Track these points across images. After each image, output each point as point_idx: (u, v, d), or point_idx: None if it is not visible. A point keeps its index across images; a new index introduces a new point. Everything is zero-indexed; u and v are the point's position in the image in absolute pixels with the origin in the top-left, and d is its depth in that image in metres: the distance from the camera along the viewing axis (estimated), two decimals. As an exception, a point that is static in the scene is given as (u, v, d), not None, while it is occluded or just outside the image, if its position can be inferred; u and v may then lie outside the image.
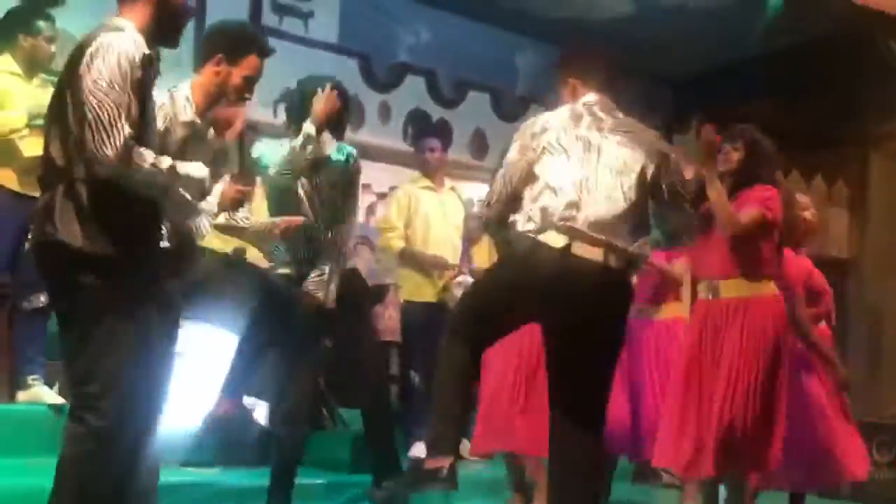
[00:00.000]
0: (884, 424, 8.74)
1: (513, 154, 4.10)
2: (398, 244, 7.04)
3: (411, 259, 7.05)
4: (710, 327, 4.94)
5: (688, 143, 10.36)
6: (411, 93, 8.92)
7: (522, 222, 3.97)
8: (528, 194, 4.00)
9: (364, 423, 5.57)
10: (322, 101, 5.05)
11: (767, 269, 4.99)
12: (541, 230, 3.88)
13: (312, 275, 5.09)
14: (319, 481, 5.89)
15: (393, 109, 8.76)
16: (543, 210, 3.90)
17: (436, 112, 9.03)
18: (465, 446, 7.12)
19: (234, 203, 4.30)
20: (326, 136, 4.94)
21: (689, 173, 4.88)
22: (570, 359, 3.99)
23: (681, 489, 6.59)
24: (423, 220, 7.03)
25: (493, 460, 6.65)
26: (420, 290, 6.98)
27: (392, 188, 8.53)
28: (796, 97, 9.30)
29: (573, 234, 3.86)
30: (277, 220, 4.93)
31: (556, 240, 3.85)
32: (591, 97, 4.18)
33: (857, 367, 11.17)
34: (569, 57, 4.43)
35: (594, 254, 3.87)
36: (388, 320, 7.52)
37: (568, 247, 3.84)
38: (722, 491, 5.27)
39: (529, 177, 4.01)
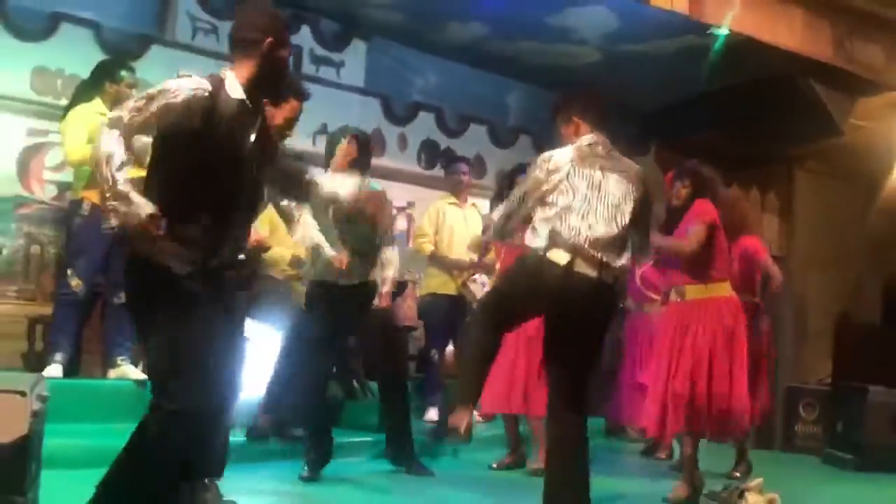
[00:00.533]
0: (808, 389, 8.73)
1: (530, 184, 4.10)
2: (428, 248, 7.18)
3: (438, 260, 7.18)
4: (680, 323, 5.07)
5: (646, 163, 10.38)
6: (423, 126, 8.94)
7: (531, 238, 4.02)
8: (539, 215, 4.02)
9: (380, 395, 5.62)
10: (342, 150, 5.15)
11: (720, 272, 5.11)
12: (548, 248, 3.92)
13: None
14: (354, 440, 5.93)
15: (409, 139, 8.78)
16: (553, 231, 3.93)
17: (443, 141, 9.05)
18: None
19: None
20: (344, 176, 4.80)
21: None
22: (564, 346, 4.04)
23: (642, 442, 6.72)
24: (449, 230, 7.15)
25: (493, 421, 6.68)
26: (445, 285, 7.12)
27: (409, 203, 8.58)
28: (735, 126, 9.29)
29: (576, 252, 3.89)
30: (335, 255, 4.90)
31: (561, 257, 3.89)
32: (591, 137, 4.18)
33: (786, 344, 11.16)
34: (572, 98, 4.41)
35: (591, 270, 3.91)
36: (407, 310, 7.54)
37: (571, 263, 3.89)
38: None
39: (542, 203, 4.03)
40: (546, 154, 4.16)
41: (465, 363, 4.26)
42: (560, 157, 4.10)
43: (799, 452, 7.98)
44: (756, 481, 4.23)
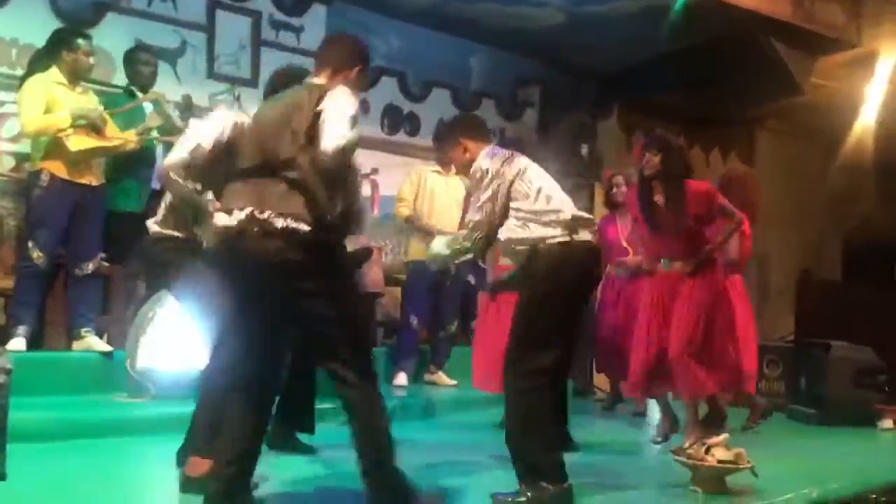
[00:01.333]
0: (772, 346, 8.79)
1: (502, 188, 3.93)
2: (405, 212, 7.04)
3: (414, 224, 7.04)
4: (667, 290, 5.20)
5: (609, 129, 10.40)
6: (386, 90, 8.86)
7: (521, 231, 3.89)
8: (525, 207, 3.89)
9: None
10: None
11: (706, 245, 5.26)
12: (571, 230, 3.83)
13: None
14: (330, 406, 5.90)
15: (371, 104, 8.69)
16: (565, 214, 3.85)
17: (406, 106, 8.99)
18: (443, 378, 7.20)
19: None
20: None
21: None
22: (579, 321, 4.14)
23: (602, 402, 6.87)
24: (430, 196, 7.01)
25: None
26: (425, 251, 6.95)
27: (374, 169, 8.51)
28: (697, 86, 9.31)
29: (583, 224, 3.90)
30: None
31: (586, 235, 3.89)
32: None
33: (750, 300, 11.29)
34: (455, 125, 4.48)
35: (594, 237, 3.97)
36: (374, 276, 7.51)
37: (591, 239, 3.93)
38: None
39: (515, 199, 3.92)
40: (487, 161, 3.99)
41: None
42: (520, 162, 4.03)
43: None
44: (722, 436, 4.25)
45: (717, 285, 5.22)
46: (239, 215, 3.12)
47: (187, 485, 3.59)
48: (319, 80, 3.46)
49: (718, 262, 5.32)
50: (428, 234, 6.92)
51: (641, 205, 5.26)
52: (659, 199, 5.18)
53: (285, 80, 3.89)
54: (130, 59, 6.37)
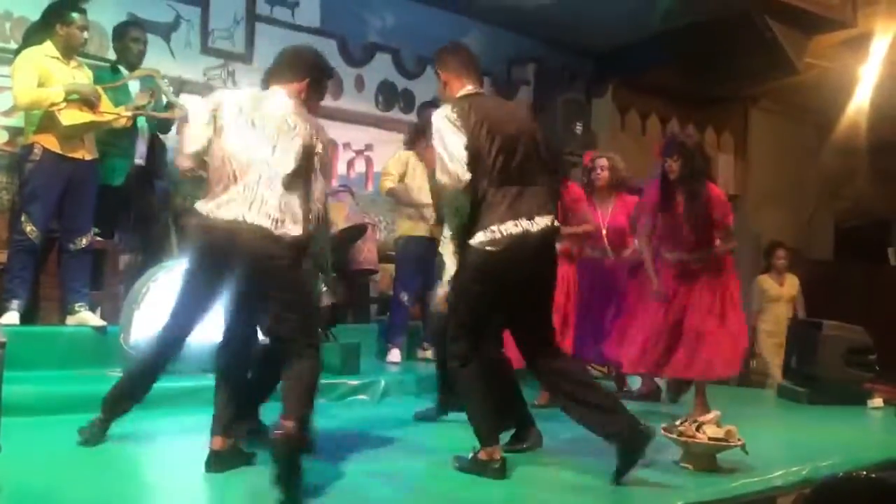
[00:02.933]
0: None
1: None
2: (387, 185, 6.95)
3: (397, 196, 6.97)
4: (679, 278, 5.62)
5: (604, 106, 10.36)
6: (381, 67, 8.81)
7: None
8: None
9: None
10: None
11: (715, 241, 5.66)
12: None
13: None
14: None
15: (366, 81, 8.64)
16: None
17: (401, 83, 8.93)
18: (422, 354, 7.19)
19: None
20: None
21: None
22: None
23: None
24: (420, 173, 6.89)
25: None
26: (415, 227, 6.92)
27: (367, 145, 8.48)
28: (691, 65, 9.28)
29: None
30: None
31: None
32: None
33: (744, 282, 11.31)
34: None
35: None
36: (367, 253, 7.48)
37: None
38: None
39: None
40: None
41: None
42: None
43: (754, 387, 8.10)
44: (713, 414, 4.26)
45: (730, 278, 5.69)
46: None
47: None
48: None
49: (729, 259, 5.76)
50: (412, 208, 6.90)
51: (663, 203, 5.59)
52: (679, 197, 5.52)
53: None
54: (120, 34, 6.27)
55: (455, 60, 4.15)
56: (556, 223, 4.00)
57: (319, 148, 3.75)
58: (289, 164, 3.64)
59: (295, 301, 3.61)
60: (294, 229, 3.59)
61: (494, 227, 3.79)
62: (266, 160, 3.63)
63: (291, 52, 4.05)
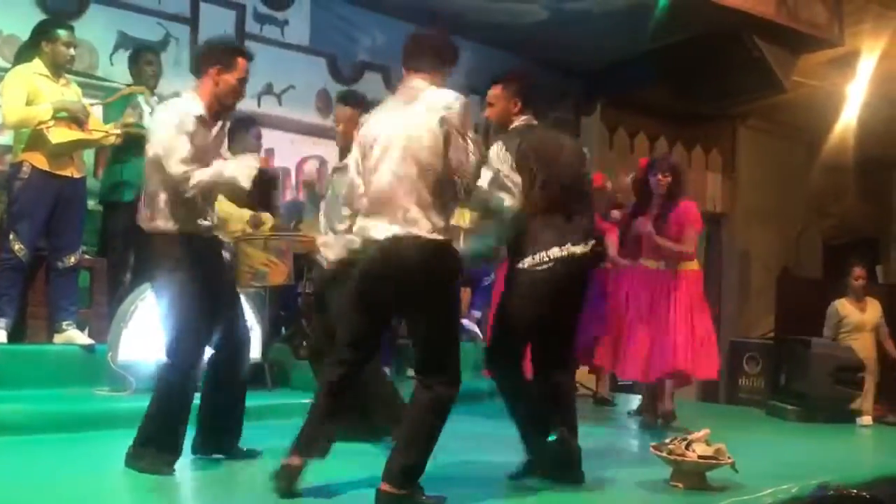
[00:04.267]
0: (752, 343, 8.85)
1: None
2: None
3: None
4: (659, 289, 5.90)
5: (593, 123, 10.40)
6: (370, 86, 8.79)
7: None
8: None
9: None
10: None
11: (690, 256, 5.98)
12: None
13: None
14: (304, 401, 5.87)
15: (356, 99, 8.65)
16: None
17: (390, 101, 8.94)
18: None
19: None
20: None
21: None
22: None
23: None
24: None
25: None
26: None
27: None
28: (680, 84, 9.32)
29: None
30: None
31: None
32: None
33: (730, 299, 11.34)
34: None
35: None
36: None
37: None
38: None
39: None
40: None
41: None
42: None
43: (743, 405, 8.10)
44: (703, 432, 4.26)
45: (699, 285, 5.98)
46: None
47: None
48: None
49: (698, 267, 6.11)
50: None
51: (637, 209, 6.01)
52: (654, 210, 5.89)
53: None
54: (135, 59, 6.34)
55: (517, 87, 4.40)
56: (599, 248, 4.16)
57: None
58: None
59: None
60: None
61: (545, 252, 3.90)
62: None
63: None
